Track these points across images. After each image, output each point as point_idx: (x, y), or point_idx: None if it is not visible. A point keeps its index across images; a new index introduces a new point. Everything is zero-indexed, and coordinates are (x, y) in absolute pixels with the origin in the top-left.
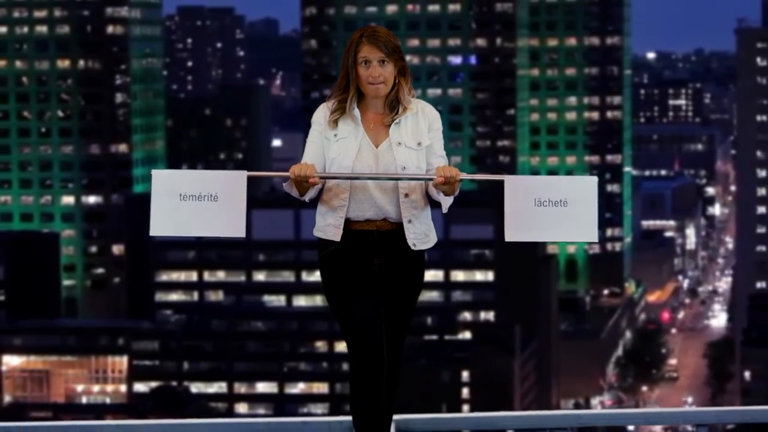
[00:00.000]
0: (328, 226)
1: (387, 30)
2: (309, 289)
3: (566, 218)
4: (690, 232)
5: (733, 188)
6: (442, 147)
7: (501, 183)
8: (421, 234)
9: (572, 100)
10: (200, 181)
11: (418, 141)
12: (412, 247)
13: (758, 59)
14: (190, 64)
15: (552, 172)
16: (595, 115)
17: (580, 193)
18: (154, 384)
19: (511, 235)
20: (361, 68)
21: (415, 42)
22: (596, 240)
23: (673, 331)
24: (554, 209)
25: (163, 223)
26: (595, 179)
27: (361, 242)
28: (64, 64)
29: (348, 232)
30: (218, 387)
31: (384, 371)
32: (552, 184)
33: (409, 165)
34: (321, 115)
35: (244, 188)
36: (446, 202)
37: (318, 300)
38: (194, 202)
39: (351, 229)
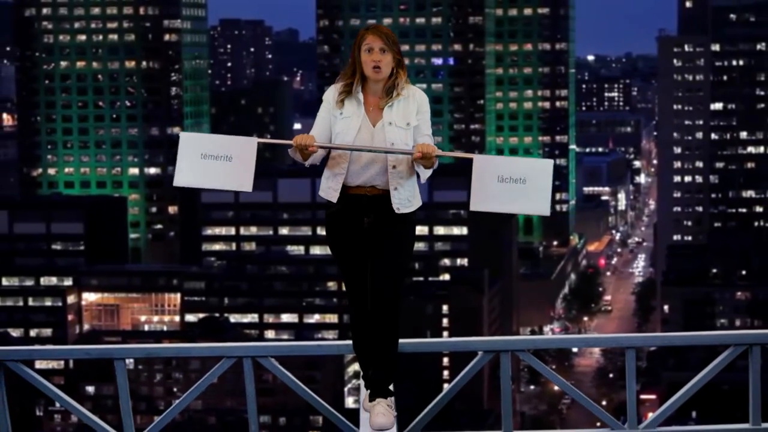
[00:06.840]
0: (329, 188)
1: (388, 28)
2: (323, 241)
3: (524, 194)
4: (621, 196)
5: (655, 162)
6: (428, 127)
7: (470, 160)
8: (405, 200)
9: (529, 92)
10: (219, 144)
11: (407, 121)
12: (396, 211)
13: (675, 61)
14: (229, 64)
15: (513, 149)
16: (547, 104)
17: (537, 173)
18: (201, 315)
19: (475, 205)
20: (365, 54)
21: (405, 47)
22: (548, 214)
23: (608, 273)
24: (514, 185)
25: (185, 176)
26: (550, 162)
27: (354, 204)
28: (130, 64)
29: (345, 195)
30: (251, 318)
31: (366, 318)
32: (513, 163)
33: (397, 141)
34: (331, 94)
35: (254, 152)
36: (424, 174)
37: (329, 249)
38: (212, 161)
39: (348, 193)
